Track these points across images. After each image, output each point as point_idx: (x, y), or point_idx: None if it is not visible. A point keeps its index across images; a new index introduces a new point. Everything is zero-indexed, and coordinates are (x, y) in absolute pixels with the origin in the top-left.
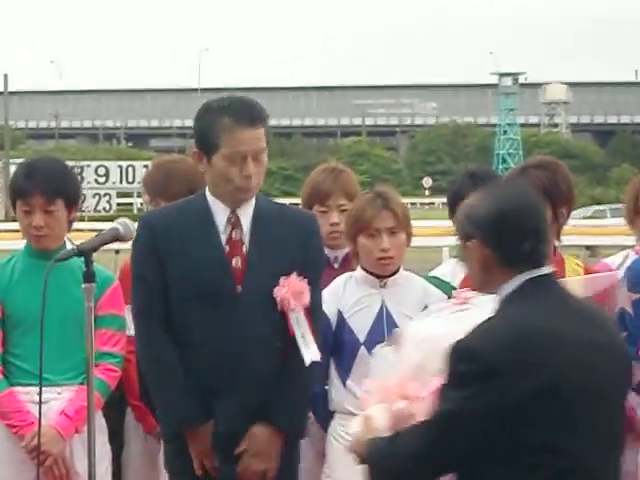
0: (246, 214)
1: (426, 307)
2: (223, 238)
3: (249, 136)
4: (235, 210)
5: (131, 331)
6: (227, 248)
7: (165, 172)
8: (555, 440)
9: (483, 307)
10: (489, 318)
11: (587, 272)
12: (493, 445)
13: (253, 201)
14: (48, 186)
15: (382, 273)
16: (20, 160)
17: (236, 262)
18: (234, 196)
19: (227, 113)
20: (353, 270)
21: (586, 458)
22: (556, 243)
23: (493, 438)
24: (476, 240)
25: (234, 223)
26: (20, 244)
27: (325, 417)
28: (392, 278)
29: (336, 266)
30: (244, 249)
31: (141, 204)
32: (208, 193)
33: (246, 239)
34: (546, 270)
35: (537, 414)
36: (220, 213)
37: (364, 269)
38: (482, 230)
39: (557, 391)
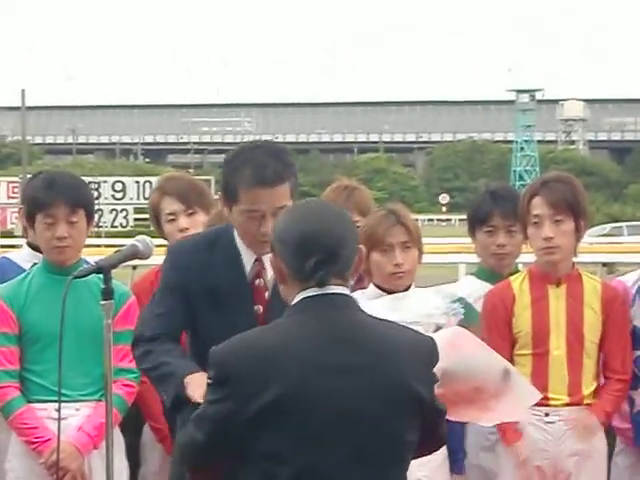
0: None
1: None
2: (248, 277)
3: (269, 196)
4: (261, 257)
5: None
6: (251, 294)
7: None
8: (285, 453)
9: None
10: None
11: (605, 288)
12: (241, 449)
13: None
14: (71, 196)
15: (395, 288)
16: None
17: (258, 309)
18: (254, 247)
19: (249, 167)
20: (366, 288)
21: (325, 474)
22: (574, 259)
23: (237, 442)
24: (274, 252)
25: (259, 270)
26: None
27: None
28: (404, 294)
29: (351, 283)
30: (266, 295)
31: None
32: (237, 235)
33: (270, 285)
34: (329, 290)
35: (267, 426)
36: (247, 257)
37: (376, 286)
38: (275, 243)
39: (284, 408)
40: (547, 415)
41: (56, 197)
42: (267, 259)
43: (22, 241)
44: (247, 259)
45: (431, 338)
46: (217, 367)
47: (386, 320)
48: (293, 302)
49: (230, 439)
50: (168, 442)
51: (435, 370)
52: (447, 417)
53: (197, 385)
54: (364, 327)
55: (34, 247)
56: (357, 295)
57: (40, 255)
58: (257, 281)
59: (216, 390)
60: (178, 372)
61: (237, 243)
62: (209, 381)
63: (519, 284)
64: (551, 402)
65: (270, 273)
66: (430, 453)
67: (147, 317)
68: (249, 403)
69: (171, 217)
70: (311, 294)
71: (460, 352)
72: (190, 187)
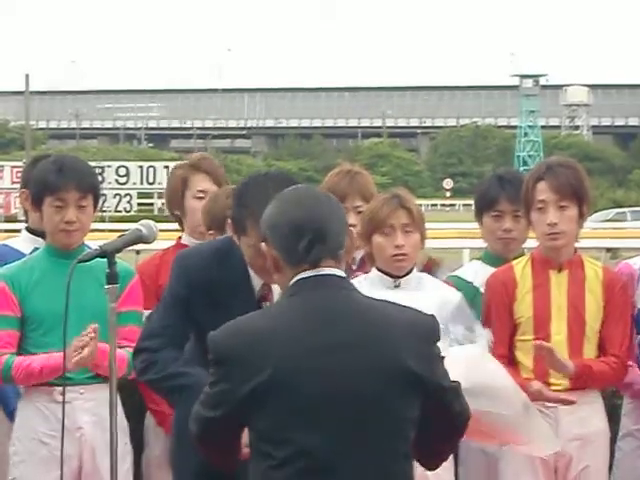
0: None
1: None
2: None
3: None
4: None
5: None
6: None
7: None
8: (279, 433)
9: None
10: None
11: (606, 274)
12: (235, 430)
13: None
14: (82, 181)
15: (396, 272)
16: None
17: None
18: (262, 275)
19: (257, 202)
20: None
21: (318, 453)
22: (576, 244)
23: (241, 423)
24: (266, 242)
25: (265, 294)
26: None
27: None
28: (405, 278)
29: (354, 267)
30: None
31: (162, 204)
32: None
33: None
34: (323, 271)
35: (260, 406)
36: (256, 278)
37: (379, 270)
38: (266, 231)
39: (276, 388)
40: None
41: (67, 181)
42: (275, 285)
43: (25, 226)
44: (256, 281)
45: (432, 316)
46: (213, 350)
47: (384, 300)
48: (287, 286)
49: (231, 418)
50: (168, 424)
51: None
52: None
53: None
54: (357, 306)
55: (33, 231)
56: (360, 279)
57: (40, 240)
58: (263, 304)
59: (214, 371)
60: (193, 384)
61: (248, 265)
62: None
63: (521, 268)
64: (552, 387)
65: (277, 296)
66: (455, 433)
67: (151, 329)
68: (242, 384)
69: (201, 194)
70: (304, 276)
71: (483, 372)
72: (220, 168)
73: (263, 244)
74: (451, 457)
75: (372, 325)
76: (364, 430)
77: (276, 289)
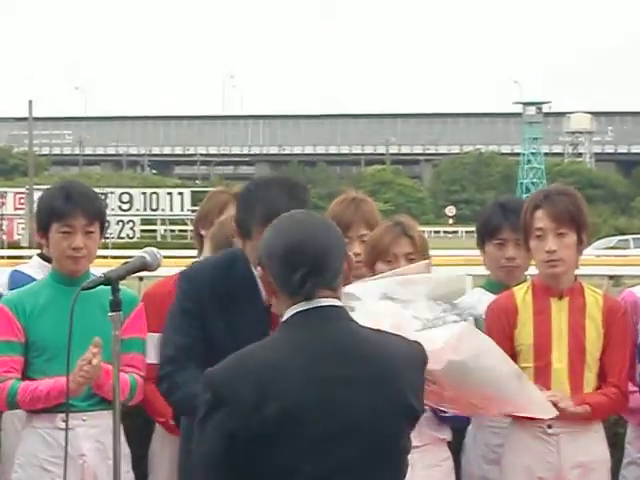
0: None
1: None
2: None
3: None
4: None
5: (151, 359)
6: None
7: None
8: (289, 466)
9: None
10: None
11: (607, 301)
12: (243, 471)
13: None
14: (89, 207)
15: None
16: (44, 187)
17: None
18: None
19: (262, 204)
20: None
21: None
22: (576, 271)
23: (241, 464)
24: (262, 267)
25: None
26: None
27: None
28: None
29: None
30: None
31: (165, 230)
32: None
33: None
34: (319, 303)
35: (270, 442)
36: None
37: None
38: (262, 258)
39: (284, 423)
40: (550, 427)
41: (75, 207)
42: None
43: (28, 252)
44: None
45: (419, 343)
46: (212, 390)
47: (376, 329)
48: (284, 317)
49: (235, 458)
50: (177, 432)
51: (440, 364)
52: (449, 410)
53: None
54: (356, 338)
55: (45, 258)
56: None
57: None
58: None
59: (212, 414)
60: None
61: (253, 269)
62: (205, 405)
63: (522, 295)
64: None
65: None
66: None
67: (169, 353)
68: (250, 420)
69: None
70: (300, 309)
71: (473, 346)
72: None
73: (259, 268)
74: (453, 477)
75: (372, 359)
76: (369, 460)
77: None
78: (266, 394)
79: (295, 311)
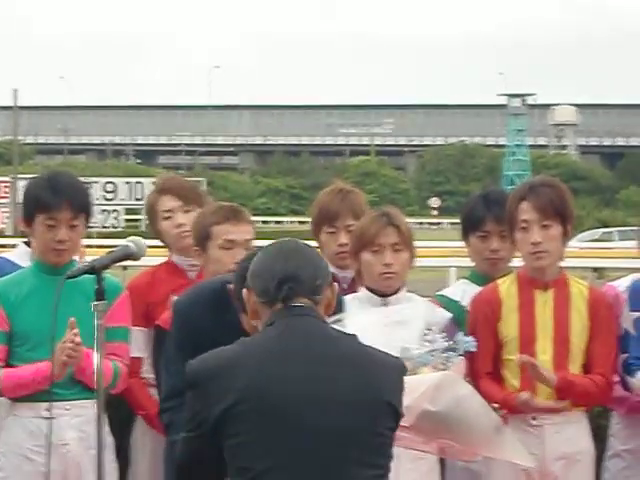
0: None
1: (429, 329)
2: None
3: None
4: None
5: (134, 353)
6: None
7: None
8: (244, 457)
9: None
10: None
11: (592, 292)
12: (220, 451)
13: None
14: (75, 201)
15: (385, 290)
16: (29, 176)
17: None
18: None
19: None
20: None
21: (291, 469)
22: (561, 263)
23: (214, 444)
24: (248, 289)
25: None
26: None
27: None
28: (394, 297)
29: (345, 286)
30: None
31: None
32: None
33: None
34: (294, 303)
35: (229, 430)
36: None
37: (367, 288)
38: (248, 279)
39: (243, 413)
40: (534, 419)
41: (61, 200)
42: None
43: (12, 241)
44: None
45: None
46: (188, 374)
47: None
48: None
49: (204, 438)
50: (161, 427)
51: (415, 410)
52: (420, 449)
53: None
54: (326, 332)
55: (30, 246)
56: (349, 298)
57: None
58: None
59: (190, 396)
60: None
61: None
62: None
63: (507, 287)
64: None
65: None
66: None
67: (170, 388)
68: (212, 408)
69: (167, 214)
70: (277, 310)
71: (453, 395)
72: (186, 184)
73: (245, 290)
74: (437, 473)
75: (345, 353)
76: (338, 456)
77: None
78: (226, 385)
79: (272, 314)
